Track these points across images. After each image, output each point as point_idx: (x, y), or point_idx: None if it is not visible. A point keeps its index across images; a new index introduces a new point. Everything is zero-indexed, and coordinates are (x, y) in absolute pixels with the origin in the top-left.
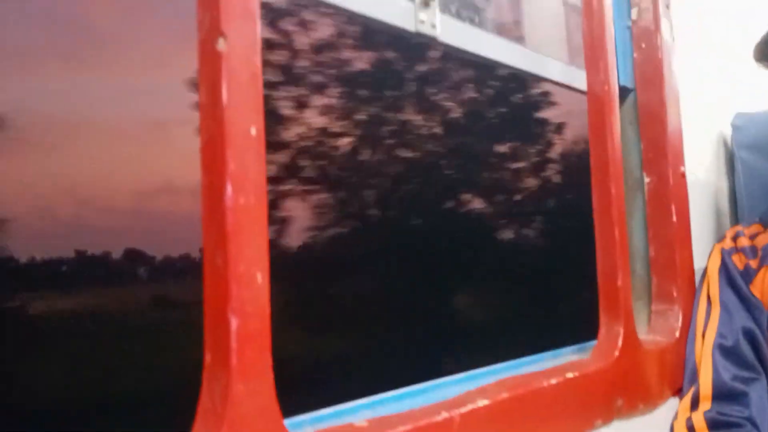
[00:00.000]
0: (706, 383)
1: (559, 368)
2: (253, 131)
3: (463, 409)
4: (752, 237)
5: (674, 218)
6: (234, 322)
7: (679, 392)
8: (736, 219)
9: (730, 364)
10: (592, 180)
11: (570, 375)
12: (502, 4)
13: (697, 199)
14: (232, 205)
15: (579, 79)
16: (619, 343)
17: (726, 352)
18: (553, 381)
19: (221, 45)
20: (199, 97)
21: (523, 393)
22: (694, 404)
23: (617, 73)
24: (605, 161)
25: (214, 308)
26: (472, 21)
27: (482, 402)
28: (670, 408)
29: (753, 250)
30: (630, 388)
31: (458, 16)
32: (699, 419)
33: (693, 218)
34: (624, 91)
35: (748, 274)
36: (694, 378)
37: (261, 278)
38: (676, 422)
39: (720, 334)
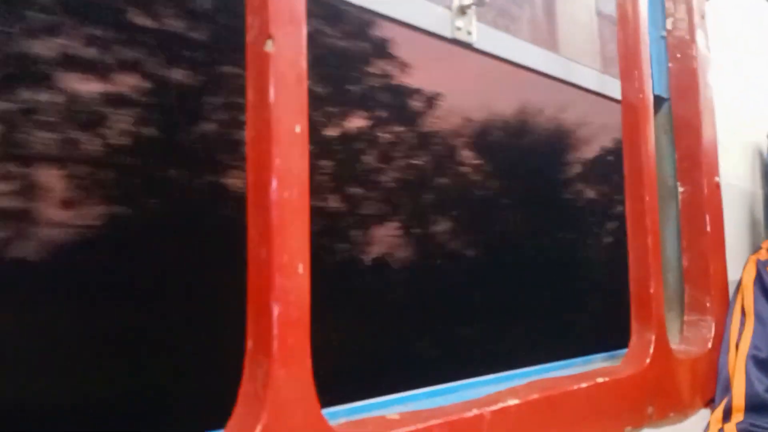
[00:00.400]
0: (739, 394)
1: (590, 373)
2: (298, 129)
3: (494, 407)
4: None
5: (708, 228)
6: (276, 310)
7: (710, 403)
8: None
9: (764, 376)
10: (625, 188)
11: (600, 380)
12: (537, 15)
13: (731, 210)
14: (277, 199)
15: (612, 87)
16: (651, 350)
17: (760, 363)
18: (584, 385)
19: (269, 47)
20: (246, 96)
21: (553, 395)
22: (727, 415)
23: (652, 83)
24: (639, 170)
25: (258, 297)
26: (507, 29)
27: (512, 401)
28: (702, 418)
29: None
30: (661, 396)
31: (494, 24)
32: (731, 431)
33: (727, 229)
34: (659, 101)
35: None
36: (727, 389)
37: (302, 269)
38: None
39: (754, 346)
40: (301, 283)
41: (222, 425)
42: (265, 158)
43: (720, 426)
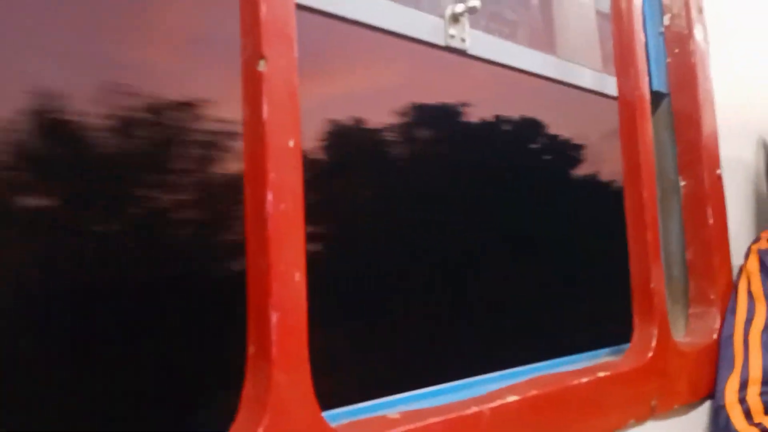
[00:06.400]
0: (756, 366)
1: (591, 368)
2: (291, 143)
3: (493, 405)
4: None
5: (711, 221)
6: (274, 317)
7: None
8: None
9: None
10: (624, 184)
11: (602, 374)
12: (533, 16)
13: (735, 202)
14: (273, 212)
15: (611, 85)
16: (653, 344)
17: None
18: (584, 380)
19: (262, 66)
20: (242, 114)
21: (553, 391)
22: (743, 387)
23: (651, 79)
24: (637, 166)
25: (257, 305)
26: (502, 34)
27: (512, 398)
28: (707, 409)
29: None
30: (665, 389)
31: (488, 30)
32: (755, 401)
33: (730, 221)
34: (658, 96)
35: None
36: (731, 365)
37: (299, 277)
38: (728, 404)
39: None
40: (298, 291)
41: (226, 428)
42: (261, 173)
43: (737, 397)
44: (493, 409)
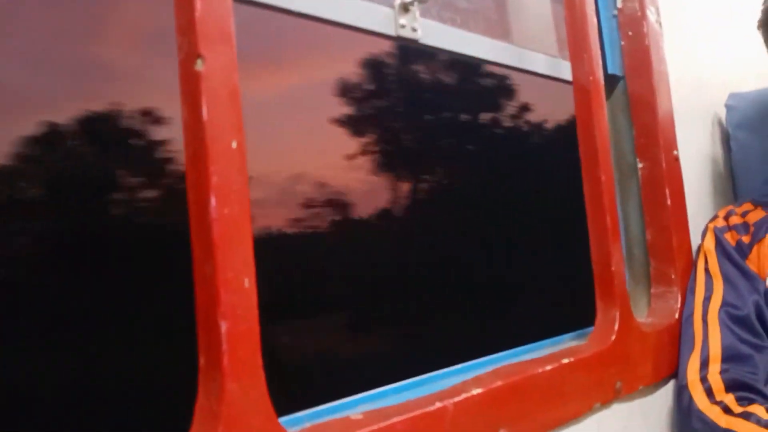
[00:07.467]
0: (715, 345)
1: (555, 354)
2: (234, 144)
3: (457, 399)
4: (743, 214)
5: (669, 201)
6: (224, 326)
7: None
8: (734, 199)
9: (739, 329)
10: (582, 169)
11: (566, 360)
12: (486, 3)
13: (693, 182)
14: (217, 216)
15: (566, 70)
16: (616, 326)
17: (734, 319)
18: (548, 367)
19: (199, 66)
20: (182, 115)
21: (517, 380)
22: (704, 365)
23: (606, 62)
24: (594, 150)
25: (205, 313)
26: (454, 22)
27: (476, 390)
28: (671, 388)
29: (745, 227)
30: (629, 371)
31: (439, 18)
32: (716, 379)
33: (689, 201)
34: (614, 80)
35: (742, 250)
36: (691, 344)
37: (248, 283)
38: (690, 383)
39: (726, 303)
40: (248, 297)
41: None
42: (203, 177)
43: (699, 376)
44: (456, 404)
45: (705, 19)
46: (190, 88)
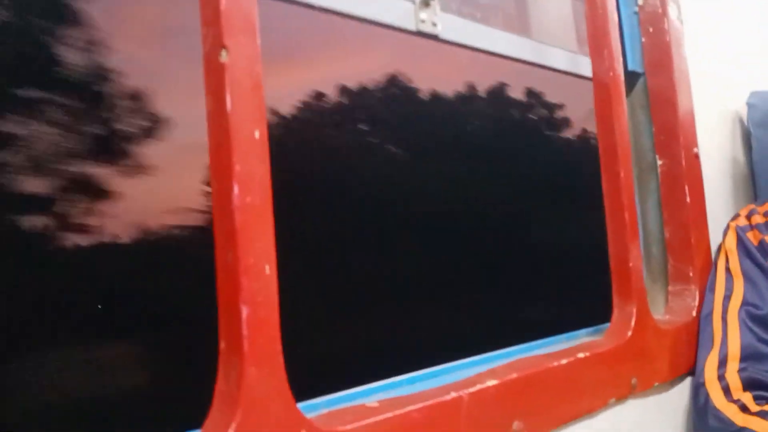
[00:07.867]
0: (734, 344)
1: (571, 349)
2: (257, 134)
3: (472, 389)
4: (766, 214)
5: (688, 199)
6: (245, 311)
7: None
8: (754, 198)
9: (759, 329)
10: (601, 165)
11: (581, 355)
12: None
13: (713, 180)
14: (240, 204)
15: (585, 66)
16: (632, 323)
17: (754, 318)
18: (564, 361)
19: (224, 57)
20: (206, 106)
21: (533, 373)
22: (722, 364)
23: (626, 59)
24: (613, 147)
25: (227, 299)
26: (474, 17)
27: (491, 382)
28: (687, 386)
29: None
30: (645, 367)
31: (459, 13)
32: (734, 378)
33: (709, 199)
34: (634, 76)
35: (764, 250)
36: (710, 342)
37: (269, 269)
38: (708, 381)
39: (747, 302)
40: (269, 284)
41: (199, 425)
42: (226, 165)
43: (716, 374)
44: (471, 394)
45: (726, 16)
46: (215, 78)
